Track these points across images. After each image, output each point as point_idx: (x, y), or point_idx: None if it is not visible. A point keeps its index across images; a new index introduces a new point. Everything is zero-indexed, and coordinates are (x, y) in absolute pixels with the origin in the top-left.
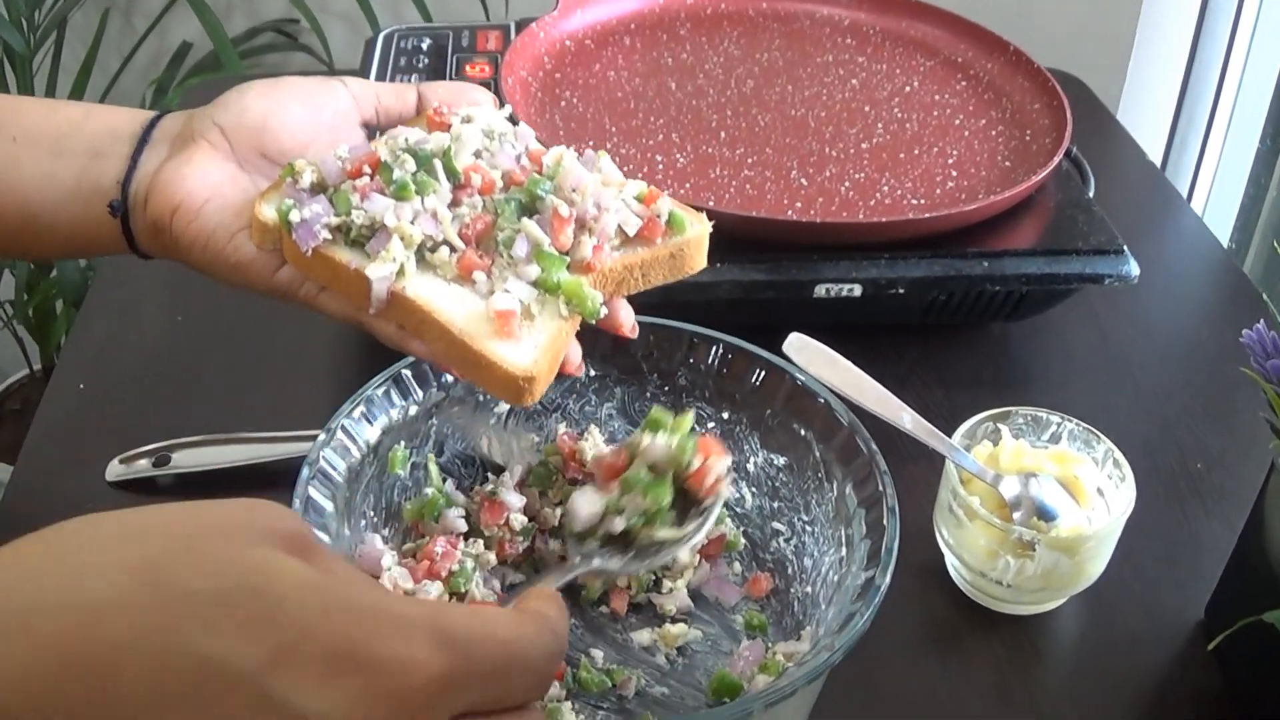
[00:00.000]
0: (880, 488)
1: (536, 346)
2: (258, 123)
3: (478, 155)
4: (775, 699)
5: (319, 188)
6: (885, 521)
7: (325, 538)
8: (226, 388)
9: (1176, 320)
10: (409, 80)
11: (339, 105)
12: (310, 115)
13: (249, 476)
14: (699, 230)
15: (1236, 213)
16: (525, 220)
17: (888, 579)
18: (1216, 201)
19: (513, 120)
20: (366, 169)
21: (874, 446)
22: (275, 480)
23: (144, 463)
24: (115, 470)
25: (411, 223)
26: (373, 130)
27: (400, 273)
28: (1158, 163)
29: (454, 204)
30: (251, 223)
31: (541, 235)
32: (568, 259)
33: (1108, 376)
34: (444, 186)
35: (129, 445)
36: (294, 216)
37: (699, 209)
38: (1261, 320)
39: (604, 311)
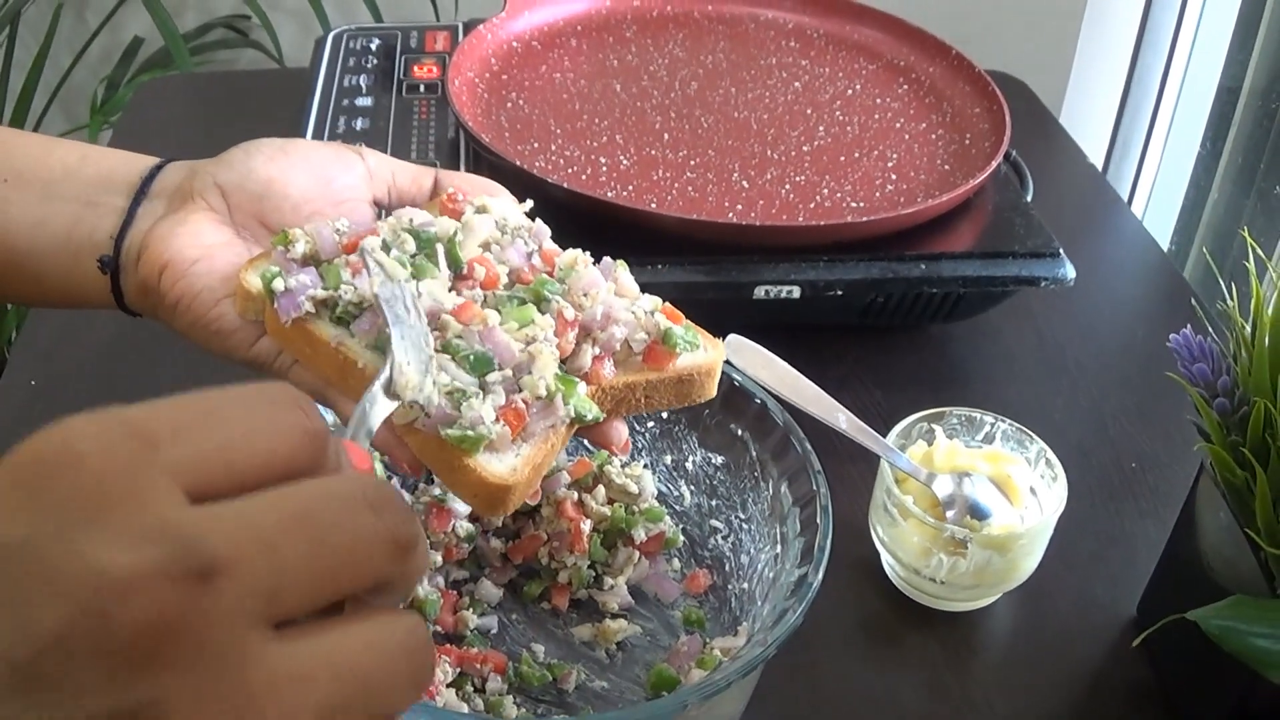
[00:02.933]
0: (814, 486)
1: (519, 455)
2: (260, 188)
3: (486, 248)
4: (710, 692)
5: (310, 259)
6: (819, 519)
7: None
8: (179, 385)
9: (1114, 322)
10: (360, 81)
11: (350, 179)
12: (317, 187)
13: None
14: (711, 357)
15: (1177, 216)
16: (541, 315)
17: (820, 576)
18: (1157, 205)
19: (530, 216)
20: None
21: (808, 446)
22: None
23: None
24: None
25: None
26: (382, 209)
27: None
28: (1100, 165)
29: (455, 293)
30: (235, 289)
31: (549, 333)
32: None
33: (1044, 377)
34: (444, 274)
35: None
36: (278, 285)
37: (641, 212)
38: (1188, 325)
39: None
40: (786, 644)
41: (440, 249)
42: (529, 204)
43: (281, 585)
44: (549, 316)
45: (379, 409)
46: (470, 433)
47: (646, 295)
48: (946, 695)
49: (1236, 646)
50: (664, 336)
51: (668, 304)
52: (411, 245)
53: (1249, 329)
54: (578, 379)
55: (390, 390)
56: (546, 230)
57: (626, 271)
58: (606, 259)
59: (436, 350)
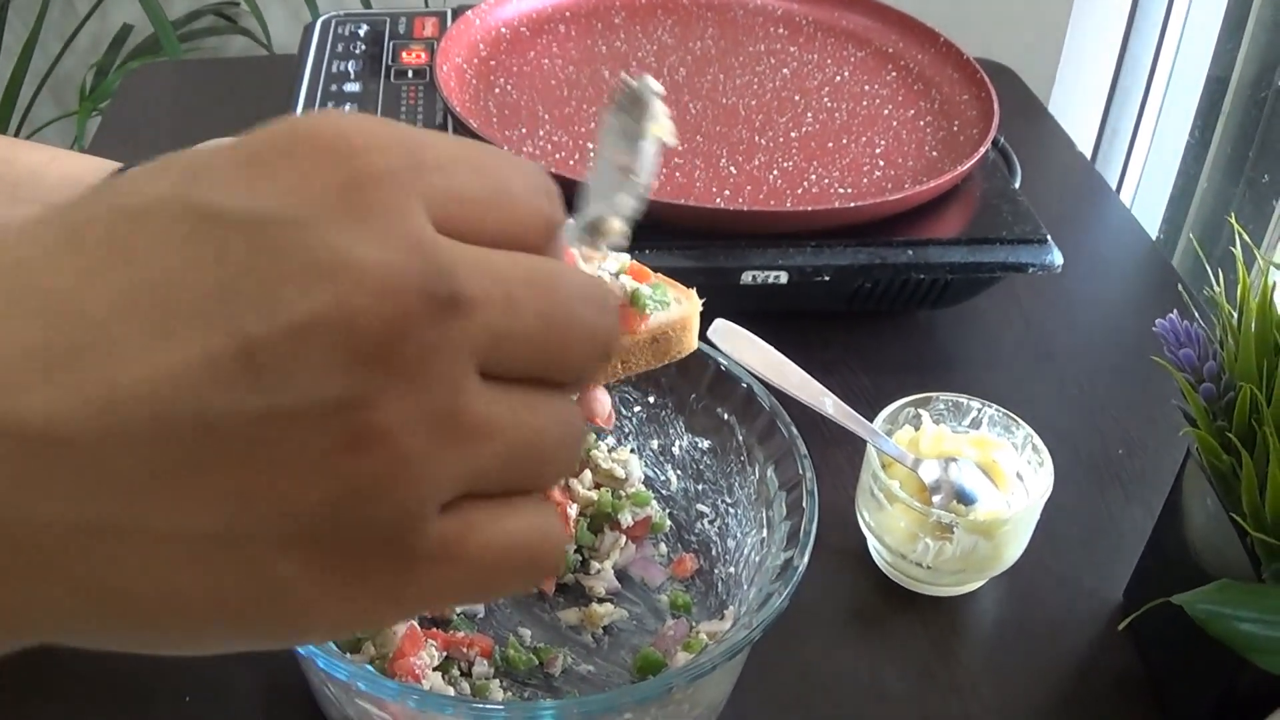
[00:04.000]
0: (800, 470)
1: None
2: None
3: None
4: (696, 675)
5: None
6: (804, 503)
7: None
8: None
9: (1101, 309)
10: (348, 67)
11: None
12: None
13: None
14: (684, 310)
15: (1165, 205)
16: None
17: (806, 559)
18: (1145, 193)
19: None
20: None
21: (794, 430)
22: None
23: None
24: None
25: None
26: None
27: None
28: (1088, 153)
29: None
30: None
31: None
32: None
33: (1031, 364)
34: None
35: None
36: None
37: None
38: (1175, 310)
39: None
40: (772, 628)
41: None
42: None
43: (509, 340)
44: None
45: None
46: None
47: (612, 255)
48: (932, 680)
49: (1222, 631)
50: (632, 298)
51: (634, 262)
52: None
53: (1235, 315)
54: None
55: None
56: None
57: None
58: (570, 221)
59: None
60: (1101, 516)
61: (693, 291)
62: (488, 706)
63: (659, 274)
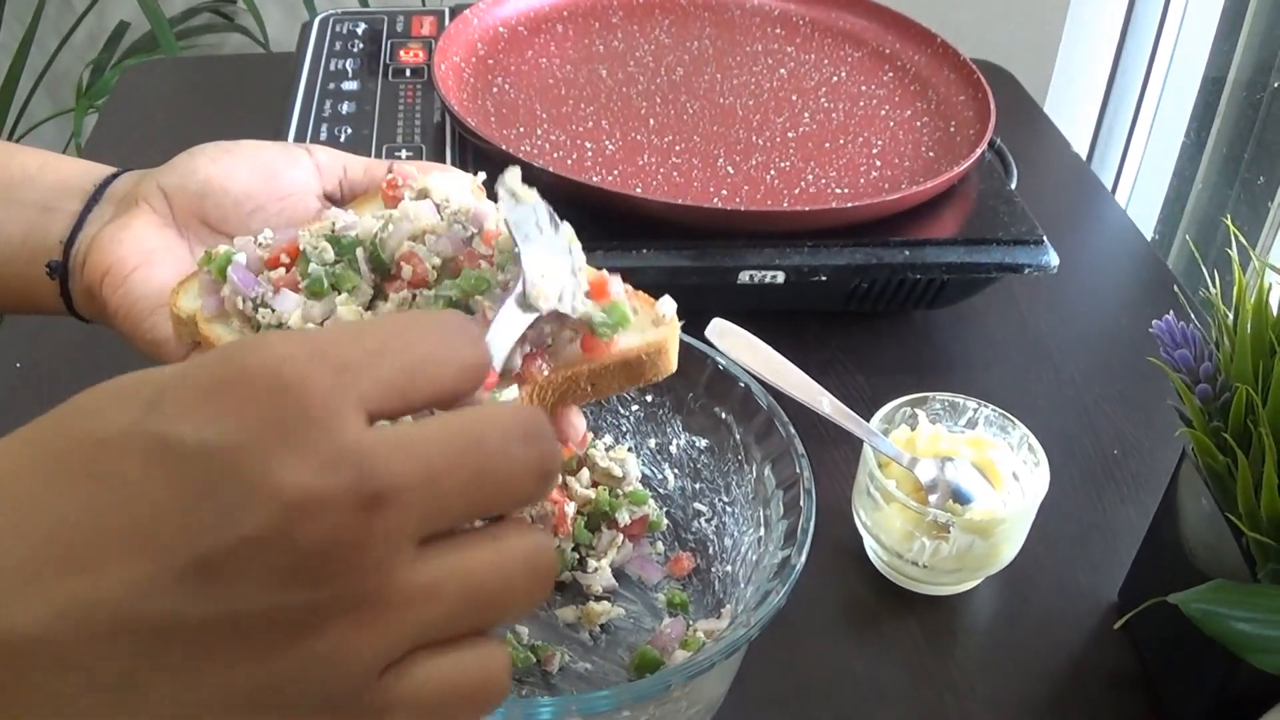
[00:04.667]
0: (797, 469)
1: None
2: (200, 187)
3: (420, 238)
4: (693, 673)
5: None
6: (802, 502)
7: None
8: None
9: (1097, 310)
10: (346, 65)
11: (298, 174)
12: (260, 182)
13: None
14: (660, 334)
15: (1161, 206)
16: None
17: (803, 558)
18: (1141, 194)
19: (489, 187)
20: (284, 258)
21: (792, 430)
22: None
23: None
24: None
25: (321, 325)
26: (335, 204)
27: None
28: (1084, 155)
29: (382, 297)
30: (170, 314)
31: None
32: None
33: (1027, 364)
34: (365, 281)
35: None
36: (234, 260)
37: (626, 196)
38: (1171, 311)
39: None
40: (769, 626)
41: (360, 254)
42: (482, 176)
43: (438, 511)
44: (479, 314)
45: (514, 325)
46: None
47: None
48: (928, 678)
49: (1218, 630)
50: (590, 326)
51: (604, 274)
52: (330, 254)
53: (1231, 316)
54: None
55: (525, 303)
56: (489, 211)
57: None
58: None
59: None
60: (1097, 516)
61: (672, 315)
62: None
63: (639, 291)
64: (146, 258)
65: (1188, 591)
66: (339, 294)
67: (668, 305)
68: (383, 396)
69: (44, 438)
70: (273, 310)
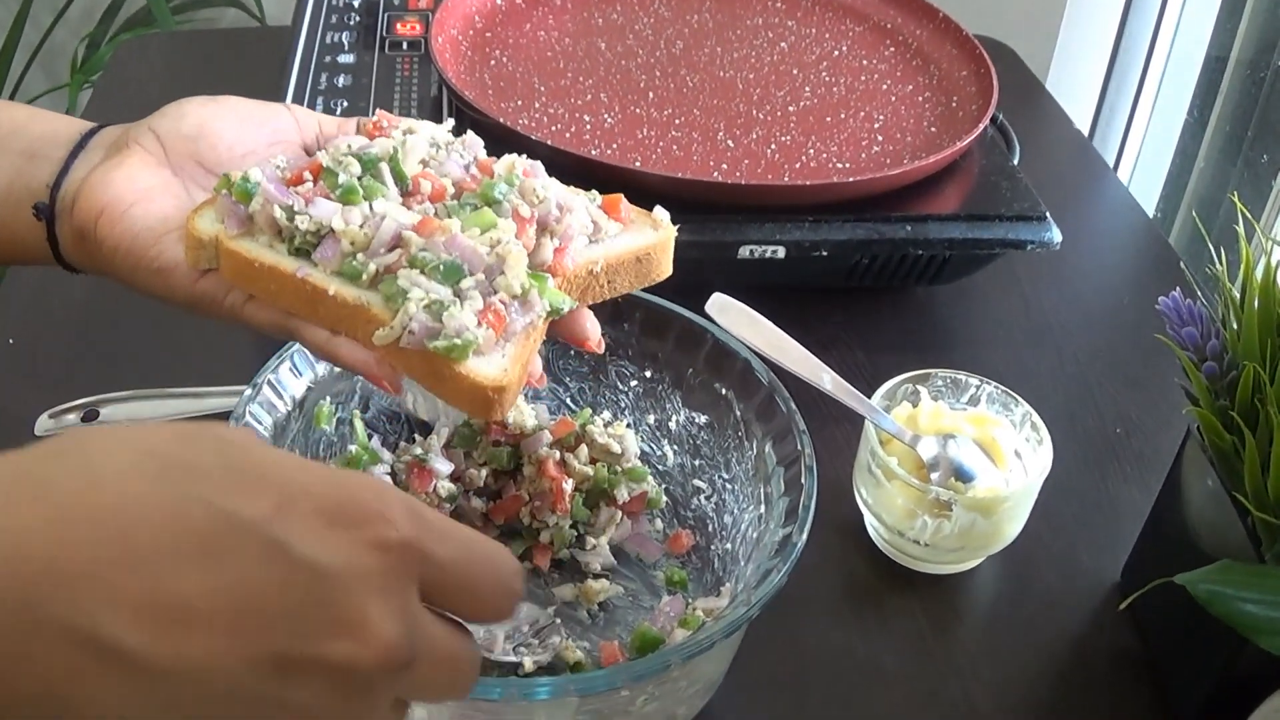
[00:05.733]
0: (798, 446)
1: (505, 355)
2: (194, 130)
3: (424, 164)
4: (693, 652)
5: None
6: (803, 479)
7: None
8: (156, 343)
9: (1100, 288)
10: (342, 38)
11: (280, 125)
12: (250, 130)
13: None
14: (665, 234)
15: (1163, 183)
16: (499, 218)
17: (804, 536)
18: (1143, 172)
19: (456, 134)
20: (308, 175)
21: (793, 406)
22: None
23: (72, 418)
24: (44, 425)
25: (360, 228)
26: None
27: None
28: (1086, 132)
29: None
30: (185, 238)
31: (512, 234)
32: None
33: (1030, 342)
34: (392, 191)
35: (58, 400)
36: (253, 180)
37: (626, 170)
38: (1178, 288)
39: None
40: (769, 605)
41: (385, 168)
42: (450, 122)
43: (428, 683)
44: (507, 218)
45: None
46: (457, 341)
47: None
48: (930, 658)
49: (1224, 611)
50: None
51: (607, 197)
52: (356, 168)
53: (1238, 293)
54: (546, 273)
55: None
56: (479, 141)
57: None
58: (535, 163)
59: (405, 266)
60: (1099, 496)
61: (667, 221)
62: (483, 681)
63: (634, 206)
64: (144, 194)
65: (1194, 572)
66: (370, 202)
67: (662, 213)
68: (438, 592)
69: (175, 491)
70: (310, 217)
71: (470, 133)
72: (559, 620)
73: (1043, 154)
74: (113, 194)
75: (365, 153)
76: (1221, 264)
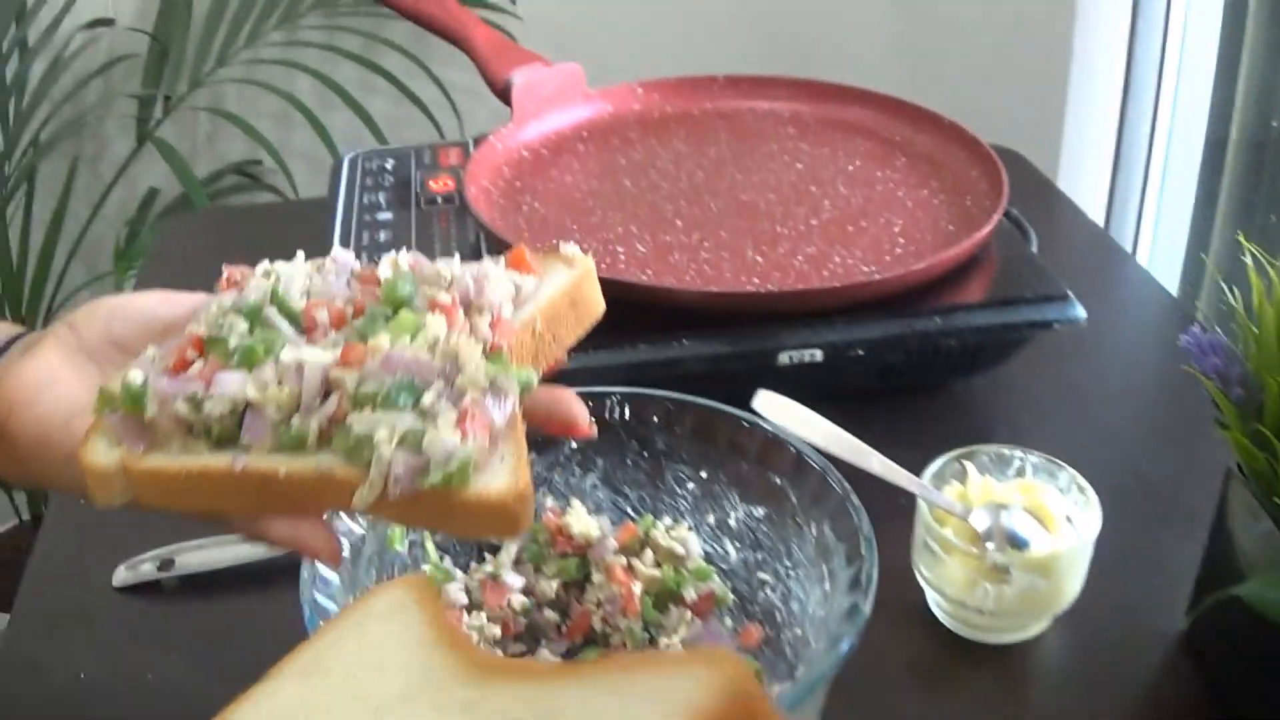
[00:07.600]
0: (855, 520)
1: (505, 458)
2: (106, 312)
3: (307, 295)
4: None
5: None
6: (863, 550)
7: (334, 607)
8: None
9: (1131, 364)
10: (379, 198)
11: (192, 300)
12: (161, 302)
13: (253, 574)
14: (583, 267)
15: (1181, 266)
16: (425, 315)
17: (870, 602)
18: (1160, 257)
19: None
20: (191, 353)
21: (846, 485)
22: (279, 573)
23: (148, 567)
24: (121, 576)
25: (280, 387)
26: None
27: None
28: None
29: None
30: (87, 477)
31: (444, 326)
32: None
33: (1069, 422)
34: (291, 334)
35: (134, 551)
36: (136, 382)
37: (660, 289)
38: (1196, 324)
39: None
40: (839, 688)
41: (272, 312)
42: (301, 253)
43: None
44: (430, 313)
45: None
46: (453, 466)
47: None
48: None
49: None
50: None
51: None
52: (241, 324)
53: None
54: (497, 351)
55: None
56: (349, 254)
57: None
58: (415, 251)
59: (351, 410)
60: (1152, 553)
61: (578, 253)
62: None
63: (537, 252)
64: (52, 380)
65: (1254, 582)
66: (275, 356)
67: (569, 247)
68: None
69: None
70: (217, 397)
71: (337, 247)
72: None
73: (1061, 246)
74: (22, 382)
75: (243, 303)
76: (1236, 301)
